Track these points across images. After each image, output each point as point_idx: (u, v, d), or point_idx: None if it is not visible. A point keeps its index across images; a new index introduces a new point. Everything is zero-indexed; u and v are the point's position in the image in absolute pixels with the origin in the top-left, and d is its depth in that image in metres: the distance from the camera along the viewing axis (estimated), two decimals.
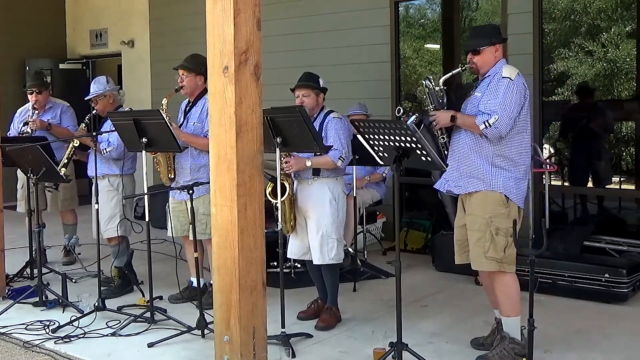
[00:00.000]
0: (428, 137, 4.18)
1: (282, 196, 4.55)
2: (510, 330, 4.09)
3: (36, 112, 6.55)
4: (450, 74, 4.27)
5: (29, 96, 6.62)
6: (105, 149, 5.56)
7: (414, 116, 4.26)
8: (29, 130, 6.39)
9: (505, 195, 3.99)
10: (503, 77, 3.99)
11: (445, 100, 4.20)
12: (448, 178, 4.19)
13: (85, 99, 5.85)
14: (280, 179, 4.56)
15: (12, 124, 6.75)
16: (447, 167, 4.11)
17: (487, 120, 3.91)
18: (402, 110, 4.33)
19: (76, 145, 5.81)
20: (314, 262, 4.75)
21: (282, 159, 4.64)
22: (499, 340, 4.09)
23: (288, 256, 4.99)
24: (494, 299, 4.27)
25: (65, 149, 6.25)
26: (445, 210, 4.59)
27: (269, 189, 4.67)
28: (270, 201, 4.60)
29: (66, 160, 5.84)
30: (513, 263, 4.05)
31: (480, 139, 4.01)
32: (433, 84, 4.19)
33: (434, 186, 4.31)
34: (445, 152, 4.23)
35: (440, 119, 4.12)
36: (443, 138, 4.22)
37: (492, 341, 4.25)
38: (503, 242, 3.95)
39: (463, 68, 4.23)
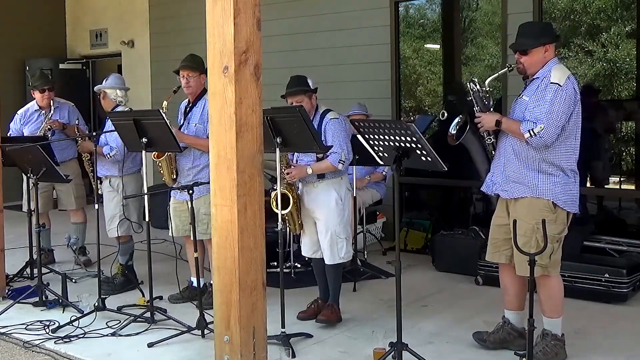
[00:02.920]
0: (473, 139, 4.14)
1: (285, 207, 4.57)
2: (553, 330, 4.08)
3: (43, 112, 6.54)
4: (497, 74, 4.18)
5: (38, 95, 6.55)
6: (109, 153, 5.63)
7: (458, 117, 4.20)
8: (48, 135, 6.37)
9: (552, 202, 3.94)
10: (552, 83, 3.86)
11: (490, 102, 4.11)
12: (495, 181, 4.14)
13: (95, 89, 6.07)
14: (282, 190, 4.57)
15: (12, 124, 6.68)
16: (447, 168, 4.07)
17: (532, 130, 3.83)
18: (445, 114, 4.25)
19: (88, 157, 5.83)
20: (326, 262, 4.78)
21: (283, 169, 4.67)
22: (541, 337, 4.07)
23: (303, 254, 5.06)
24: (510, 299, 4.26)
25: (73, 147, 6.29)
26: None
27: (273, 204, 4.65)
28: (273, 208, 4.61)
29: (92, 174, 5.83)
30: (558, 266, 4.04)
31: (526, 145, 3.93)
32: (478, 86, 4.08)
33: (481, 189, 4.25)
34: (493, 151, 4.17)
35: (485, 121, 4.05)
36: (490, 139, 4.15)
37: (495, 338, 4.25)
38: (549, 249, 3.86)
39: (510, 68, 4.10)
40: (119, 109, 5.81)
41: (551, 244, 3.87)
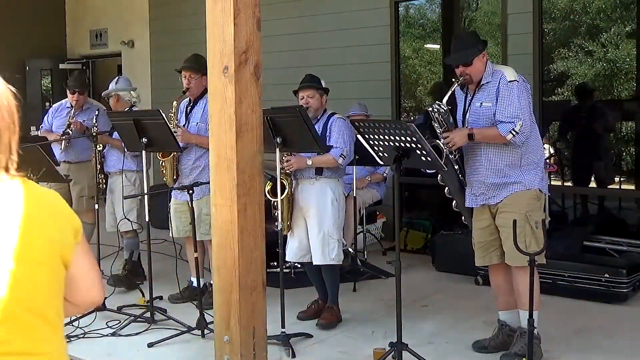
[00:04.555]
0: (447, 163, 4.11)
1: (281, 195, 4.55)
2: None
3: (71, 112, 6.58)
4: (450, 91, 4.16)
5: (69, 95, 6.62)
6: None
7: (434, 142, 4.14)
8: (70, 132, 6.42)
9: (539, 190, 4.05)
10: (510, 82, 3.95)
11: (452, 120, 4.11)
12: (477, 193, 4.13)
13: (103, 95, 6.07)
14: (280, 178, 4.56)
15: (45, 118, 6.78)
16: (446, 168, 4.05)
17: (513, 129, 3.87)
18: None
19: (99, 149, 5.79)
20: (315, 263, 4.75)
21: (283, 157, 4.65)
22: (518, 337, 4.05)
23: (287, 259, 4.99)
24: (505, 299, 4.25)
25: (91, 148, 6.33)
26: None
27: (267, 187, 4.67)
28: (270, 200, 4.61)
29: (100, 166, 5.84)
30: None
31: (504, 147, 3.97)
32: (442, 107, 4.06)
33: (466, 205, 4.23)
34: (456, 166, 4.16)
35: (456, 139, 4.02)
36: (454, 155, 4.15)
37: (497, 343, 4.24)
38: (542, 234, 3.94)
39: (458, 82, 4.12)
40: (135, 109, 5.88)
41: (542, 230, 3.95)
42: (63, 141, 6.37)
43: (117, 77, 6.13)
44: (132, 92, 5.99)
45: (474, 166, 4.12)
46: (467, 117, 4.13)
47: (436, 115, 4.08)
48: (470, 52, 4.05)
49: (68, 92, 6.66)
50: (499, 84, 3.99)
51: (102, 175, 5.86)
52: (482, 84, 4.07)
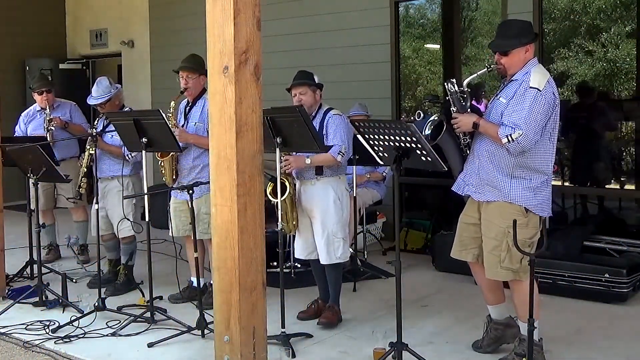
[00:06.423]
0: (449, 139, 4.04)
1: (282, 195, 4.55)
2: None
3: (46, 111, 6.54)
4: (475, 75, 4.08)
5: (37, 97, 6.58)
6: (130, 154, 5.53)
7: (433, 116, 4.10)
8: (52, 128, 6.39)
9: (524, 207, 3.86)
10: (530, 87, 3.77)
11: (467, 104, 4.00)
12: (468, 182, 4.07)
13: (93, 104, 5.78)
14: (281, 178, 4.56)
15: (17, 127, 6.78)
16: (447, 168, 4.02)
17: (510, 135, 3.74)
18: (422, 115, 4.12)
19: (92, 152, 5.68)
20: (322, 262, 4.76)
21: (282, 157, 4.65)
22: (518, 342, 4.02)
23: (296, 256, 5.01)
24: (488, 295, 4.24)
25: (75, 146, 6.29)
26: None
27: (269, 189, 4.67)
28: (271, 201, 4.61)
29: (85, 170, 5.70)
30: (528, 271, 3.99)
31: (501, 149, 3.85)
32: (455, 87, 3.97)
33: (452, 188, 4.19)
34: (468, 151, 4.10)
35: (462, 123, 3.95)
36: (466, 139, 4.07)
37: (489, 341, 4.25)
38: (520, 254, 3.77)
39: (489, 69, 4.00)
40: (126, 109, 5.82)
41: (522, 248, 3.75)
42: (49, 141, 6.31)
43: (99, 80, 5.82)
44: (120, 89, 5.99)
45: (474, 154, 4.04)
46: (491, 108, 4.06)
47: (448, 93, 3.99)
48: (510, 43, 3.88)
49: (35, 95, 6.58)
50: (520, 85, 3.85)
51: (85, 179, 5.74)
52: (512, 80, 3.93)
